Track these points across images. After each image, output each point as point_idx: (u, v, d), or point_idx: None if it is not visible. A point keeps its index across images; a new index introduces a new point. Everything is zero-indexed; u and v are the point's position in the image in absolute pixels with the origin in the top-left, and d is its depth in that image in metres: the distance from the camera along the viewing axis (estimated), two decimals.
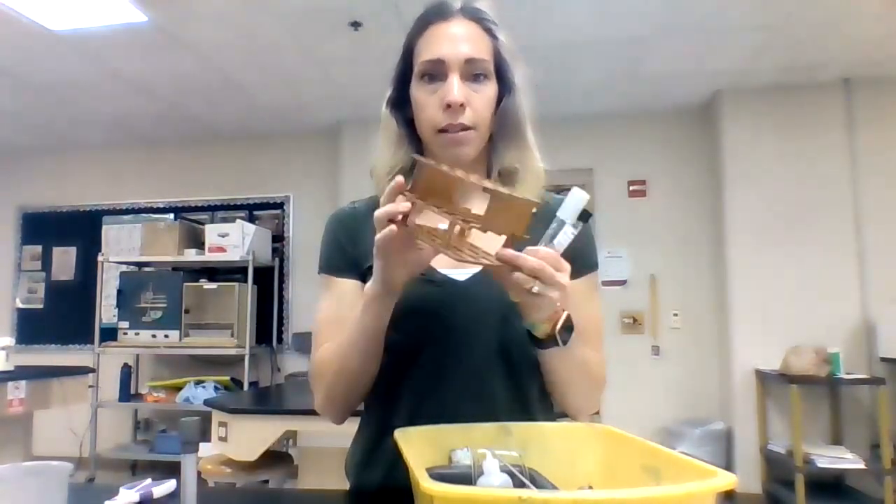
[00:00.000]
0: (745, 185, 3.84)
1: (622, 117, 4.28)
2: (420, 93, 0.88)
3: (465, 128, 0.85)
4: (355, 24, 3.02)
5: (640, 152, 4.26)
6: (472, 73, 0.86)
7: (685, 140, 4.23)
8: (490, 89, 0.88)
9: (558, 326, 0.77)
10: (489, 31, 0.89)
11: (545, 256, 0.69)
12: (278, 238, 4.65)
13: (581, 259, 0.94)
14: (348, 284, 0.93)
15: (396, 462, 0.72)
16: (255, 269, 4.21)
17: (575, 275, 0.93)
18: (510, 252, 0.68)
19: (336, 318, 0.91)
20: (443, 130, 0.85)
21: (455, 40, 0.85)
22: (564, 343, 0.77)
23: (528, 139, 0.92)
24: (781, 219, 3.77)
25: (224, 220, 4.48)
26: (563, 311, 0.77)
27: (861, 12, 2.96)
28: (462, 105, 0.84)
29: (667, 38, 3.23)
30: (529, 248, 0.70)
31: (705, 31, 3.16)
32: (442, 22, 0.87)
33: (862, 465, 3.23)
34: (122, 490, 0.83)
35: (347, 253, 0.94)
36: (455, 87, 0.83)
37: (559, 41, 3.24)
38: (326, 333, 0.91)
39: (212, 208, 4.81)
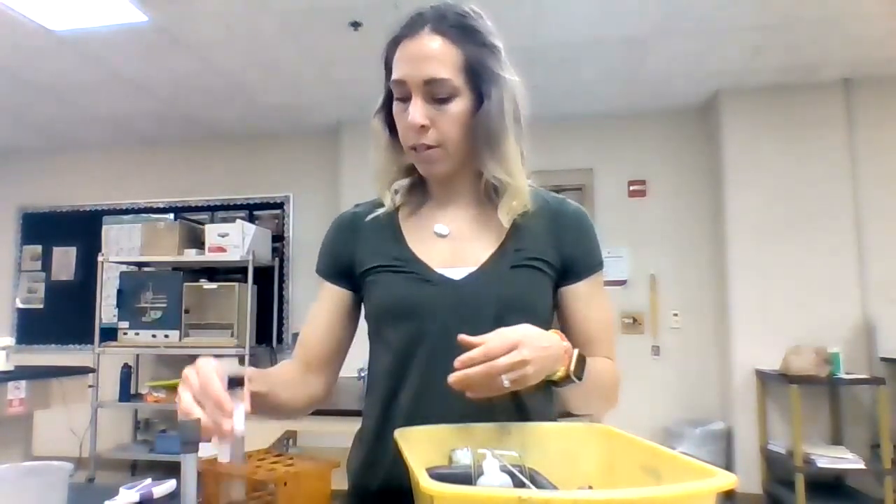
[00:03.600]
0: (745, 185, 3.84)
1: (622, 117, 4.27)
2: (396, 110, 0.89)
3: (431, 147, 0.86)
4: (355, 24, 3.02)
5: (640, 152, 4.26)
6: (433, 93, 0.84)
7: (685, 140, 4.23)
8: (457, 106, 0.85)
9: (571, 368, 0.77)
10: (458, 43, 0.85)
11: (484, 354, 0.69)
12: (278, 238, 4.65)
13: (583, 260, 0.94)
14: (331, 290, 0.98)
15: (397, 462, 0.72)
16: (255, 269, 4.21)
17: (577, 277, 0.93)
18: (456, 365, 0.69)
19: (310, 320, 1.00)
20: (412, 148, 0.88)
21: (417, 61, 0.84)
22: (580, 379, 0.78)
23: (505, 150, 0.88)
24: (781, 219, 3.77)
25: (224, 220, 4.47)
26: (573, 350, 0.78)
27: (861, 12, 2.96)
28: (423, 126, 0.85)
29: (667, 38, 3.23)
30: (460, 358, 0.70)
31: (705, 31, 3.16)
32: (409, 39, 0.85)
33: (862, 465, 3.22)
34: (122, 490, 0.84)
35: (339, 261, 0.98)
36: (413, 110, 0.85)
37: (559, 41, 3.24)
38: (301, 335, 1.00)
39: (212, 208, 4.81)
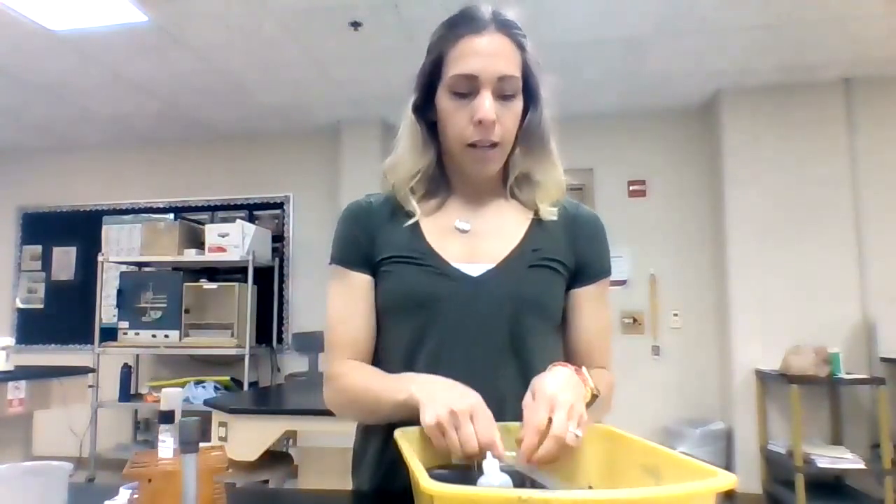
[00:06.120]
0: (745, 184, 3.84)
1: (622, 117, 4.27)
2: (449, 105, 0.88)
3: (494, 144, 0.87)
4: (355, 24, 3.02)
5: (640, 152, 4.26)
6: (502, 90, 0.86)
7: (685, 140, 4.23)
8: (518, 105, 0.89)
9: (592, 386, 0.81)
10: (519, 45, 0.89)
11: (559, 435, 0.69)
12: (278, 238, 4.65)
13: (595, 264, 0.95)
14: (360, 279, 0.93)
15: (397, 462, 0.72)
16: (255, 269, 4.20)
17: (587, 281, 0.94)
18: (531, 454, 0.70)
19: (347, 316, 0.93)
20: (471, 145, 0.87)
21: (488, 56, 0.85)
22: (601, 393, 0.83)
23: (552, 151, 0.95)
24: (781, 218, 3.77)
25: (224, 220, 4.47)
26: (580, 369, 0.81)
27: (861, 12, 2.96)
28: (493, 122, 0.85)
29: (667, 37, 3.23)
30: (528, 446, 0.70)
31: (705, 31, 3.16)
32: (475, 35, 0.86)
33: (862, 465, 3.22)
34: (121, 490, 0.84)
35: (362, 247, 0.94)
36: (487, 105, 0.84)
37: (560, 41, 3.24)
38: (340, 333, 0.93)
39: (212, 208, 4.81)
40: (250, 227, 4.27)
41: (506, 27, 0.88)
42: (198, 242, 4.27)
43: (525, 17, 0.91)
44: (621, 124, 4.28)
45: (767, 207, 3.80)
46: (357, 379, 0.89)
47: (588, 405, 0.78)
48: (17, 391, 2.80)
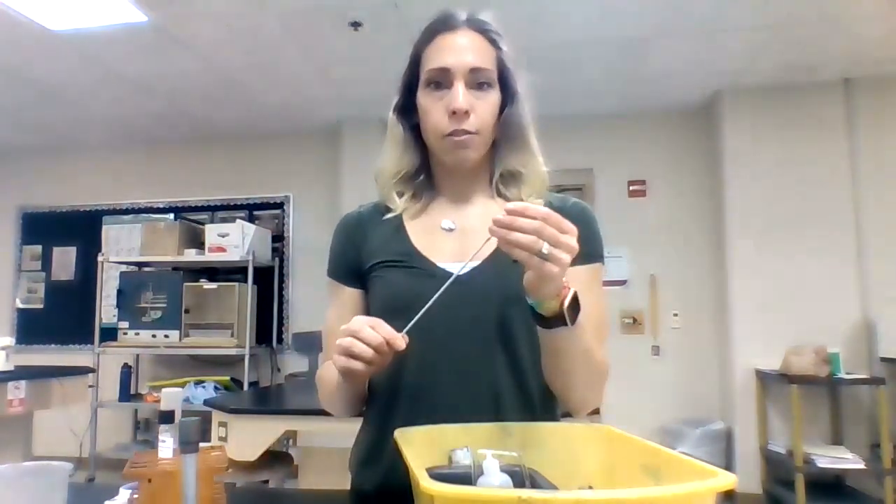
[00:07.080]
0: (745, 184, 3.84)
1: (622, 117, 4.27)
2: (426, 100, 0.91)
3: (469, 133, 0.89)
4: (355, 24, 3.02)
5: (640, 152, 4.26)
6: (476, 81, 0.90)
7: (685, 140, 4.23)
8: (493, 97, 0.91)
9: (566, 303, 0.75)
10: (493, 42, 0.92)
11: (546, 215, 0.69)
12: (278, 238, 4.65)
13: (583, 248, 0.94)
14: (350, 294, 0.98)
15: (397, 462, 0.72)
16: (255, 269, 4.21)
17: (573, 263, 0.93)
18: (512, 208, 0.69)
19: (336, 328, 0.95)
20: (447, 135, 0.89)
21: (460, 50, 0.89)
22: (572, 322, 0.76)
23: (532, 144, 0.96)
24: (781, 218, 3.77)
25: (224, 220, 4.47)
26: (570, 287, 0.76)
27: (861, 12, 2.96)
28: (466, 112, 0.88)
29: (667, 38, 3.23)
30: (519, 204, 0.69)
31: (705, 31, 3.16)
32: (448, 32, 0.91)
33: (862, 465, 3.23)
34: (122, 490, 0.84)
35: (349, 260, 0.98)
36: (460, 95, 0.87)
37: (559, 41, 3.24)
38: (330, 342, 0.98)
39: (212, 208, 4.81)
40: (250, 227, 4.28)
41: (479, 25, 0.92)
42: (198, 242, 4.27)
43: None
44: (621, 124, 4.28)
45: (767, 207, 3.80)
46: (328, 370, 0.94)
47: (546, 322, 0.76)
48: (17, 391, 2.80)
